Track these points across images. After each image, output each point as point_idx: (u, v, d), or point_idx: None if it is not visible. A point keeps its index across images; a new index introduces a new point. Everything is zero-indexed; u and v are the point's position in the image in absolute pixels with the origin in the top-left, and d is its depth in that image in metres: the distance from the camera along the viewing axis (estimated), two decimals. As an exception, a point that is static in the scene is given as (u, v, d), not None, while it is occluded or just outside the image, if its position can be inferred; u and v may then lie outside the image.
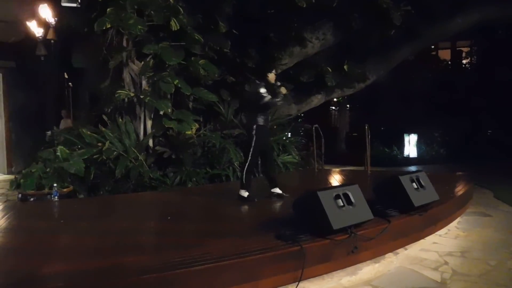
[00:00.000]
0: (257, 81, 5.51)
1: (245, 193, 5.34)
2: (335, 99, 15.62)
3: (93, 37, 7.55)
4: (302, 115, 14.50)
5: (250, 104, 5.63)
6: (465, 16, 11.08)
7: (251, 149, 5.24)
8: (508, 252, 4.28)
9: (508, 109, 15.88)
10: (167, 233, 4.09)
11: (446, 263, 3.94)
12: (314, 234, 3.45)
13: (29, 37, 9.76)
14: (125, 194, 6.57)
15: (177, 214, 4.98)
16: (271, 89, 5.39)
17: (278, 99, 5.42)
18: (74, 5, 7.77)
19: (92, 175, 6.72)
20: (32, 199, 6.38)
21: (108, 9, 7.02)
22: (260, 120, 5.29)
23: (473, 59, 19.77)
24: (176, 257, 3.07)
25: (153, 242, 3.93)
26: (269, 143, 6.31)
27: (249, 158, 5.26)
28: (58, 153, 6.78)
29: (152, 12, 7.26)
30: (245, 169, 5.28)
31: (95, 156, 6.83)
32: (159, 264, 2.97)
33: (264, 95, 5.27)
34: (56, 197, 6.09)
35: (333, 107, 19.42)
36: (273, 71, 5.64)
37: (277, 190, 5.51)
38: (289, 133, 10.28)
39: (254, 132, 5.24)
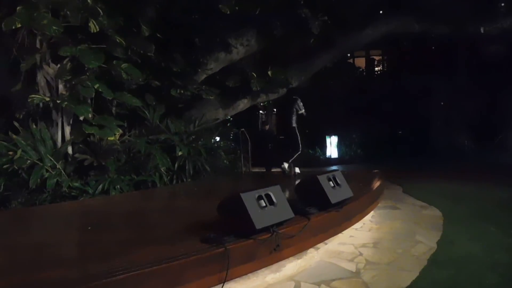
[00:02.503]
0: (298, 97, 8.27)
1: (286, 166, 8.06)
2: (261, 104, 15.97)
3: (2, 37, 7.05)
4: (231, 119, 14.65)
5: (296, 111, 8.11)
6: (374, 28, 12.13)
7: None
8: (413, 240, 4.73)
9: (414, 112, 17.41)
10: (87, 244, 3.92)
11: (360, 254, 4.26)
12: (238, 235, 3.53)
13: None
14: (41, 206, 6.18)
15: (99, 224, 4.77)
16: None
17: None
18: (-21, 1, 7.20)
19: (1, 187, 6.25)
20: None
21: (18, 8, 6.59)
22: None
23: (384, 67, 21.40)
24: (99, 268, 2.98)
25: (73, 254, 3.74)
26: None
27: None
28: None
29: (68, 12, 6.93)
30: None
31: (5, 166, 6.37)
32: (80, 276, 2.87)
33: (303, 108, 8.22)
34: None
35: (261, 111, 19.82)
36: None
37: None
38: (218, 137, 10.36)
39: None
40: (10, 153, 6.52)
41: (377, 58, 21.97)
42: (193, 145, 8.44)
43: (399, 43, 18.25)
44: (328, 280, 3.60)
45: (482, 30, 12.56)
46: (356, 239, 4.79)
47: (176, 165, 8.01)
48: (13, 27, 6.52)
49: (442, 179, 9.35)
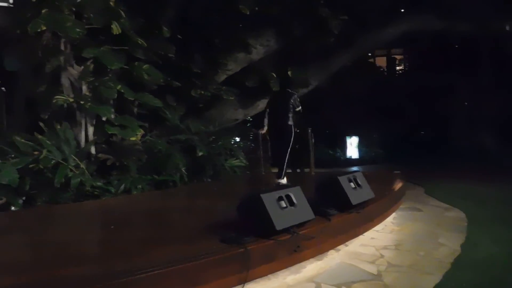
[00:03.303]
0: (295, 94, 7.02)
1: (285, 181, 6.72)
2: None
3: (28, 39, 7.22)
4: (251, 119, 14.69)
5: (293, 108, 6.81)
6: (395, 26, 11.99)
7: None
8: (436, 243, 4.65)
9: (436, 111, 17.11)
10: (110, 242, 3.99)
11: (382, 256, 4.20)
12: (258, 235, 3.53)
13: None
14: (65, 204, 6.31)
15: (121, 223, 4.86)
16: None
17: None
18: (5, 4, 7.38)
19: (27, 186, 6.39)
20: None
21: (43, 10, 6.74)
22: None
23: (405, 66, 21.10)
24: (119, 266, 3.03)
25: (95, 252, 3.80)
26: None
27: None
28: (-13, 164, 6.39)
29: (91, 15, 7.07)
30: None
31: (30, 166, 6.49)
32: (101, 274, 2.91)
33: (299, 106, 6.89)
34: (-13, 210, 5.72)
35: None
36: None
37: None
38: (238, 138, 10.40)
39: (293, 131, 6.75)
40: (36, 152, 6.66)
41: (398, 57, 21.69)
42: (213, 145, 8.49)
43: (420, 42, 17.94)
44: (349, 282, 3.57)
45: (507, 27, 12.26)
46: (377, 241, 4.74)
47: (196, 165, 8.06)
48: (38, 30, 6.66)
49: (466, 180, 9.17)
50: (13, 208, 6.11)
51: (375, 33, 11.93)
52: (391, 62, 21.78)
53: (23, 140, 6.73)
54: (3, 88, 11.51)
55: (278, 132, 6.91)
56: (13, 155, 6.63)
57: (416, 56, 20.18)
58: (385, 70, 21.55)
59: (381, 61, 21.67)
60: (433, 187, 8.35)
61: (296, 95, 6.89)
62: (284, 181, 6.76)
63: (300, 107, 6.84)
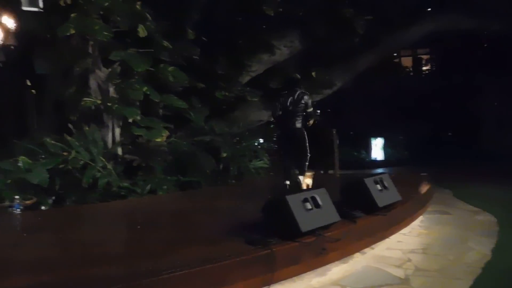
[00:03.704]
0: (306, 92, 6.37)
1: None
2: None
3: (57, 43, 7.41)
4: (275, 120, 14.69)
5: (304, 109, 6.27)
6: (421, 26, 11.76)
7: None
8: (465, 247, 4.52)
9: (464, 112, 16.70)
10: (135, 242, 4.05)
11: (409, 260, 4.12)
12: (283, 237, 3.51)
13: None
14: (93, 204, 6.44)
15: (147, 223, 4.91)
16: None
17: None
18: (36, 9, 7.57)
19: (57, 186, 6.55)
20: (-9, 212, 6.14)
21: (72, 14, 6.90)
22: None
23: (432, 66, 20.67)
24: (144, 267, 3.05)
25: (121, 252, 3.86)
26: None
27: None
28: (20, 164, 6.57)
29: (118, 18, 7.20)
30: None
31: (60, 166, 6.66)
32: (126, 274, 2.95)
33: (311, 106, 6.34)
34: (18, 209, 5.87)
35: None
36: None
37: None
38: (262, 139, 10.41)
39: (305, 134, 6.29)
40: (65, 153, 6.83)
41: (424, 57, 21.26)
42: (237, 146, 8.52)
43: (448, 41, 17.54)
44: (375, 286, 3.51)
45: None
46: (404, 245, 4.64)
47: (220, 166, 8.10)
48: (67, 33, 6.84)
49: (496, 183, 8.89)
50: (43, 207, 6.27)
51: (401, 33, 11.75)
52: (417, 62, 21.37)
53: (53, 141, 6.91)
54: (33, 91, 11.85)
55: (290, 138, 6.47)
56: (43, 156, 6.82)
57: (443, 55, 19.72)
58: (411, 70, 21.18)
59: (407, 61, 21.29)
60: (461, 189, 8.14)
61: (308, 95, 6.29)
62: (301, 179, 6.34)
63: (311, 108, 6.30)
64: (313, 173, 6.96)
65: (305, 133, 6.32)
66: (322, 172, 10.16)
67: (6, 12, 8.49)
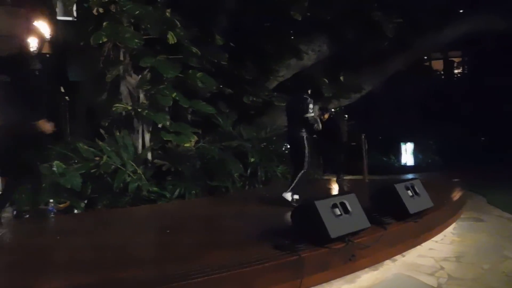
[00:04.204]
0: (307, 96, 5.78)
1: (290, 197, 5.54)
2: (332, 109, 15.84)
3: (90, 51, 7.62)
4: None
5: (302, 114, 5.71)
6: (454, 28, 11.45)
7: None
8: (501, 256, 4.35)
9: (499, 116, 16.16)
10: (165, 246, 4.10)
11: (442, 268, 4.01)
12: (312, 243, 3.49)
13: (23, 51, 9.81)
14: (123, 208, 6.56)
15: (176, 227, 4.98)
16: None
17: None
18: (70, 18, 7.83)
19: (89, 190, 6.71)
20: (27, 215, 6.32)
21: (104, 23, 7.10)
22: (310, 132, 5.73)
23: (464, 68, 20.13)
24: (175, 270, 3.09)
25: (152, 255, 3.93)
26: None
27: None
28: (54, 168, 6.77)
29: (148, 25, 7.35)
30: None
31: (92, 171, 6.82)
32: (157, 278, 2.98)
33: (311, 110, 5.62)
34: (52, 213, 6.04)
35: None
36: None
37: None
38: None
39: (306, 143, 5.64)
40: (97, 158, 7.01)
41: (456, 59, 20.72)
42: (265, 151, 8.51)
43: (481, 43, 17.03)
44: (407, 294, 3.44)
45: None
46: (436, 252, 4.52)
47: (248, 171, 8.12)
48: (100, 41, 7.03)
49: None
50: (76, 211, 6.44)
51: (432, 35, 11.47)
52: (449, 65, 20.86)
53: (85, 147, 7.10)
54: (66, 98, 12.24)
55: (290, 145, 6.17)
56: (76, 161, 7.01)
57: (477, 58, 19.17)
58: (442, 73, 20.68)
59: (438, 65, 20.82)
60: (496, 196, 7.85)
61: (308, 100, 5.65)
62: (288, 196, 5.59)
63: (310, 114, 5.58)
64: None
65: (304, 141, 5.69)
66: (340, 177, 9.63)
67: (42, 21, 8.83)
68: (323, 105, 6.17)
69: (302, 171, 5.66)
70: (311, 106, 5.59)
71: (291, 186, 5.63)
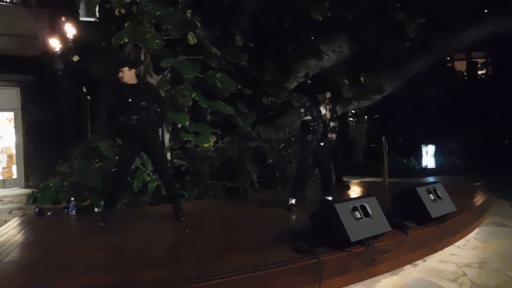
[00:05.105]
0: (304, 100, 5.78)
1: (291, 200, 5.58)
2: (352, 111, 15.65)
3: (111, 51, 7.72)
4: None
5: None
6: (478, 28, 11.16)
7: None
8: (527, 263, 4.22)
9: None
10: (184, 246, 4.12)
11: (464, 274, 3.91)
12: (331, 246, 3.46)
13: (47, 51, 10.02)
14: (143, 208, 6.62)
15: (195, 228, 4.98)
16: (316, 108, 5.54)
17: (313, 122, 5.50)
18: (92, 19, 7.93)
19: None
20: (49, 213, 6.42)
21: (125, 24, 7.17)
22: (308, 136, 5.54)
23: (488, 70, 19.71)
24: (193, 271, 3.10)
25: (170, 256, 3.95)
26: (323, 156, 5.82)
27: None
28: (76, 167, 6.88)
29: (169, 26, 7.40)
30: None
31: (112, 170, 6.89)
32: (175, 278, 3.00)
33: (302, 114, 5.55)
34: (73, 211, 6.13)
35: (351, 118, 19.42)
36: (327, 93, 5.58)
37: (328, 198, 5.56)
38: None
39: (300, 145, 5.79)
40: (117, 157, 7.07)
41: (480, 60, 20.29)
42: (283, 152, 8.47)
43: (506, 43, 16.62)
44: (428, 300, 3.37)
45: None
46: (458, 258, 4.42)
47: (266, 172, 8.10)
48: (121, 42, 7.11)
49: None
50: (96, 209, 6.52)
51: (456, 36, 11.24)
52: (472, 66, 20.43)
53: (106, 146, 7.19)
54: (88, 97, 12.45)
55: None
56: (97, 160, 7.11)
57: (502, 59, 18.72)
58: (465, 74, 20.27)
59: (461, 65, 20.41)
60: (521, 201, 7.65)
61: (301, 104, 5.75)
62: (293, 201, 5.63)
63: (303, 117, 5.53)
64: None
65: (301, 145, 5.82)
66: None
67: (66, 22, 8.99)
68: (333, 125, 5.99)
69: (298, 175, 5.82)
70: (301, 110, 5.59)
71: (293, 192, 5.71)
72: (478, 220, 5.54)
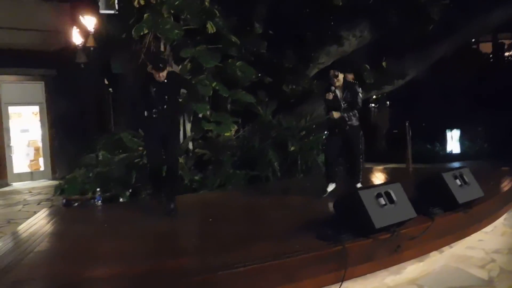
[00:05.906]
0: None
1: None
2: (374, 96, 15.42)
3: (131, 43, 7.77)
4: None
5: None
6: (505, 8, 10.72)
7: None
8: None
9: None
10: (208, 235, 4.15)
11: (493, 260, 3.84)
12: (356, 233, 3.43)
13: (69, 45, 10.17)
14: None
15: (218, 216, 4.98)
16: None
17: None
18: (112, 12, 7.98)
19: (133, 179, 6.87)
20: (76, 204, 6.57)
21: (145, 15, 7.21)
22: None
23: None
24: (218, 260, 3.12)
25: (195, 244, 3.97)
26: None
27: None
28: (101, 158, 7.00)
29: (188, 16, 7.40)
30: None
31: (136, 160, 6.99)
32: (200, 267, 3.02)
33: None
34: (99, 201, 6.25)
35: (373, 104, 19.14)
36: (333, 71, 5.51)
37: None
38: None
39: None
40: (140, 148, 7.17)
41: (507, 42, 19.63)
42: (305, 140, 8.43)
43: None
44: (456, 287, 3.31)
45: None
46: (486, 244, 4.33)
47: (288, 160, 8.07)
48: (141, 33, 7.15)
49: None
50: (121, 199, 6.64)
51: (481, 17, 10.84)
52: (498, 48, 19.79)
53: (129, 137, 7.28)
54: (110, 89, 12.61)
55: None
56: (120, 151, 7.21)
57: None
58: (491, 57, 19.67)
59: (486, 47, 19.79)
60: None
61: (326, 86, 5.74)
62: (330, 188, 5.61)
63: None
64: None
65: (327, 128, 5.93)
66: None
67: (87, 16, 9.09)
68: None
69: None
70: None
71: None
72: (506, 205, 5.39)
